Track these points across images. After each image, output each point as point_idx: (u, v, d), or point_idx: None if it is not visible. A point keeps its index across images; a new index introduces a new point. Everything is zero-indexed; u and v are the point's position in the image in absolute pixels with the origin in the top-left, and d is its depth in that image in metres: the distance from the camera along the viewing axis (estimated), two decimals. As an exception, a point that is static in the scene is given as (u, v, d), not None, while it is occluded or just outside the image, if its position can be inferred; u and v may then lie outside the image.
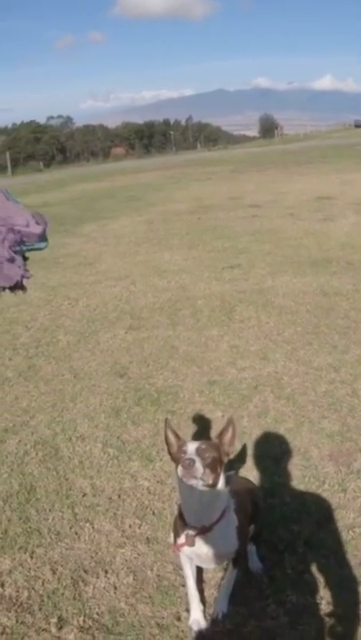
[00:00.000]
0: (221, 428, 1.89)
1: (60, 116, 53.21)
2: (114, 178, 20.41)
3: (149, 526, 2.46)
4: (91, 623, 1.99)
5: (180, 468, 1.72)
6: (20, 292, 1.91)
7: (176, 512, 2.02)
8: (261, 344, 4.36)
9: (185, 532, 1.86)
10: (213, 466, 1.76)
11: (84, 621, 2.00)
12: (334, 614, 1.97)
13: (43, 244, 1.91)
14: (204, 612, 2.00)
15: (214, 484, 1.79)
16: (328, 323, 4.71)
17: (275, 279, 6.03)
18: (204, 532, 1.84)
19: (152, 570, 2.22)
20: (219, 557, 1.94)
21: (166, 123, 55.13)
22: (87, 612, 2.04)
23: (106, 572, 2.22)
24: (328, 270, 6.25)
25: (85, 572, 2.23)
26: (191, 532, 1.85)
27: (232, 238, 8.25)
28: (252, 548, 2.18)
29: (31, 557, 2.32)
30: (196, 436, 3.14)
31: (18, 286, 1.87)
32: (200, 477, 1.72)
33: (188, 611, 2.00)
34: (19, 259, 1.84)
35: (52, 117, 52.60)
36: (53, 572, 2.24)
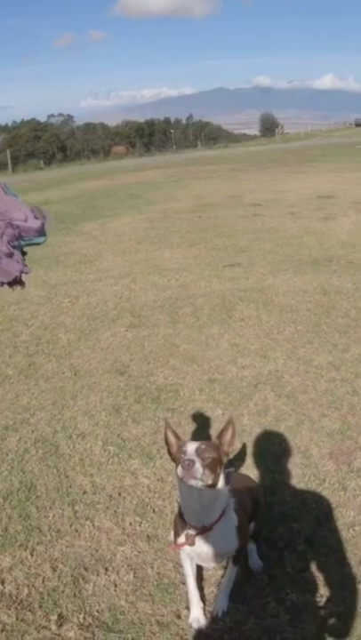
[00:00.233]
0: (221, 428, 1.89)
1: (60, 114, 53.01)
2: (114, 176, 20.37)
3: (150, 524, 2.46)
4: (91, 621, 2.00)
5: (179, 468, 1.73)
6: (18, 288, 1.88)
7: (176, 510, 2.03)
8: (262, 342, 4.36)
9: (185, 532, 1.87)
10: (213, 466, 1.76)
11: (84, 619, 2.00)
12: (334, 612, 1.97)
13: (41, 239, 1.88)
14: (204, 609, 2.01)
15: (214, 484, 1.79)
16: (328, 321, 4.71)
17: (275, 278, 6.03)
18: (204, 531, 1.85)
19: (152, 567, 2.22)
20: (219, 556, 1.94)
21: (167, 121, 54.97)
22: (87, 609, 2.05)
23: (106, 569, 2.23)
24: (329, 269, 6.25)
25: (86, 569, 2.23)
26: (191, 532, 1.85)
27: (233, 237, 8.24)
28: (252, 546, 2.18)
29: (31, 555, 2.32)
30: (196, 434, 3.14)
31: (16, 282, 1.84)
32: (200, 478, 1.72)
33: (188, 608, 2.01)
34: (17, 254, 1.82)
35: (52, 115, 52.42)
36: (54, 569, 2.24)
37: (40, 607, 2.06)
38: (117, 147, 46.17)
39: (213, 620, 1.98)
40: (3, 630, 1.97)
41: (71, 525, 2.48)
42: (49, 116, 52.78)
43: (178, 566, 2.16)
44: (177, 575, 2.16)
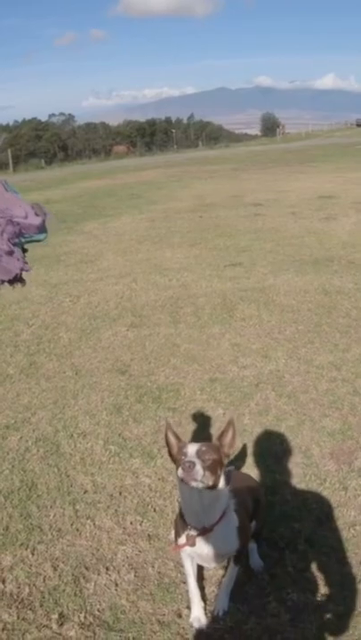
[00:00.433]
0: (222, 429, 1.88)
1: (61, 114, 52.93)
2: (115, 176, 20.36)
3: (150, 523, 2.46)
4: (92, 620, 2.00)
5: (180, 470, 1.73)
6: (19, 286, 1.87)
7: (177, 510, 2.02)
8: (263, 342, 4.36)
9: (186, 533, 1.87)
10: (213, 468, 1.76)
11: (84, 618, 2.01)
12: (335, 612, 1.97)
13: (42, 236, 1.87)
14: (205, 609, 2.01)
15: (214, 486, 1.79)
16: (329, 321, 4.70)
17: (276, 277, 6.03)
18: (204, 532, 1.85)
19: (153, 567, 2.22)
20: (219, 557, 1.94)
21: (168, 121, 54.89)
22: (88, 608, 2.05)
23: (107, 568, 2.23)
24: (330, 269, 6.24)
25: (86, 568, 2.23)
26: (192, 533, 1.85)
27: (234, 236, 8.24)
28: (253, 546, 2.18)
29: (32, 554, 2.32)
30: (197, 434, 3.14)
31: (17, 279, 1.83)
32: (200, 480, 1.72)
33: (188, 608, 2.01)
34: (18, 251, 1.80)
35: (53, 115, 52.33)
36: (54, 568, 2.24)
37: (41, 606, 2.06)
38: (118, 146, 46.13)
39: (214, 619, 1.98)
40: (4, 629, 1.98)
41: (72, 524, 2.49)
42: (50, 116, 52.72)
43: (179, 566, 2.16)
44: (178, 574, 2.16)
